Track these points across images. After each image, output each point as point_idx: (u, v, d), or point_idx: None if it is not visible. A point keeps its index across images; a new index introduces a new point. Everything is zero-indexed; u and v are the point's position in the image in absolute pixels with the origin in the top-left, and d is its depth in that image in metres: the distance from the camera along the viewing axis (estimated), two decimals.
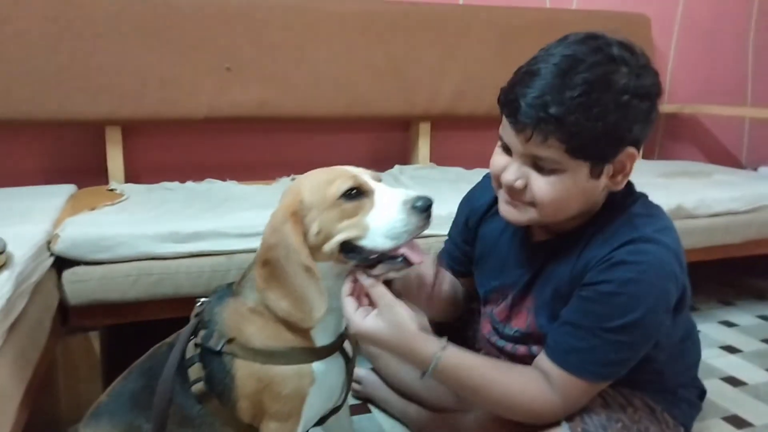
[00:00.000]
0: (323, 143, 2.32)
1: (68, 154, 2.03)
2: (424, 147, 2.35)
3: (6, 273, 1.09)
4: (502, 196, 1.07)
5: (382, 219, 0.90)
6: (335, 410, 1.06)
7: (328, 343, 0.97)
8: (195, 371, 0.97)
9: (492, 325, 1.22)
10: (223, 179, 2.05)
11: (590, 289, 1.00)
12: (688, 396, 1.21)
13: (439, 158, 2.38)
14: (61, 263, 1.40)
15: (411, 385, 1.40)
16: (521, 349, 1.17)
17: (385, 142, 2.42)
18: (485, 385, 1.03)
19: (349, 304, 0.97)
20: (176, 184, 1.98)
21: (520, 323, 1.15)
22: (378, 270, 0.94)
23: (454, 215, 1.36)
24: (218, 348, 0.95)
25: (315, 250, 0.93)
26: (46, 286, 1.31)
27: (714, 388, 1.66)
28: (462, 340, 1.41)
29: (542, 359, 1.05)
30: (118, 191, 1.83)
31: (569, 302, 1.04)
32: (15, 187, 1.87)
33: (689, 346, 1.21)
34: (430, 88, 2.27)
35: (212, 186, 1.96)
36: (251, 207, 1.66)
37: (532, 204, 1.01)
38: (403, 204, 0.90)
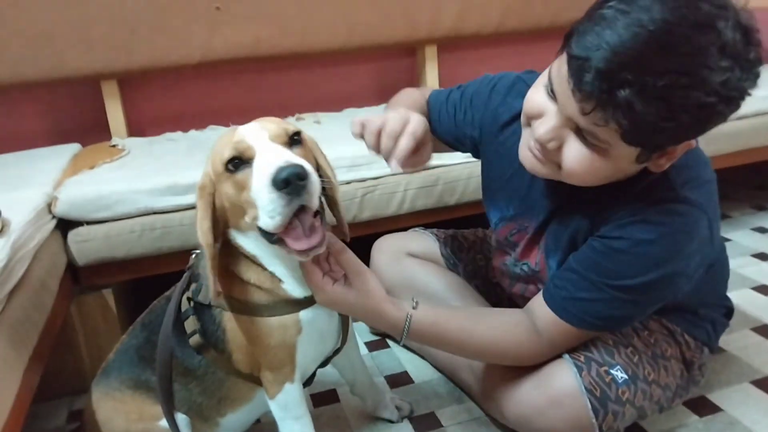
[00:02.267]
0: (326, 77, 2.25)
1: (69, 113, 2.01)
2: (431, 72, 2.26)
3: (1, 241, 1.09)
4: (526, 137, 0.95)
5: (258, 195, 0.80)
6: (337, 352, 1.06)
7: (308, 294, 0.95)
8: (191, 324, 0.97)
9: (505, 256, 1.18)
10: (227, 125, 2.02)
11: (603, 243, 0.93)
12: (713, 315, 1.16)
13: (448, 83, 2.28)
14: (66, 224, 1.41)
15: None
16: (531, 289, 1.13)
17: (391, 70, 2.33)
18: (466, 336, 1.00)
19: (313, 272, 0.93)
20: (179, 134, 1.96)
21: (531, 259, 1.11)
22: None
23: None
24: (207, 302, 0.95)
25: (237, 223, 0.89)
26: (50, 248, 1.31)
27: (744, 297, 1.60)
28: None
29: (537, 302, 1.02)
30: (119, 146, 1.81)
31: (580, 248, 0.98)
32: (19, 152, 1.88)
33: (717, 269, 1.13)
34: (432, 8, 2.15)
35: (214, 133, 1.93)
36: None
37: (558, 166, 0.89)
38: (270, 179, 0.76)
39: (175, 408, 1.00)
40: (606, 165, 0.85)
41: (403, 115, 0.95)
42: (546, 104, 0.88)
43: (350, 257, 0.95)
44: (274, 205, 0.77)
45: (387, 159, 0.93)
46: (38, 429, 1.34)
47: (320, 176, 0.84)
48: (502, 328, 1.01)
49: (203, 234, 0.88)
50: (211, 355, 0.97)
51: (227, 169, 0.83)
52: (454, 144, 1.23)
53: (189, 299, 0.98)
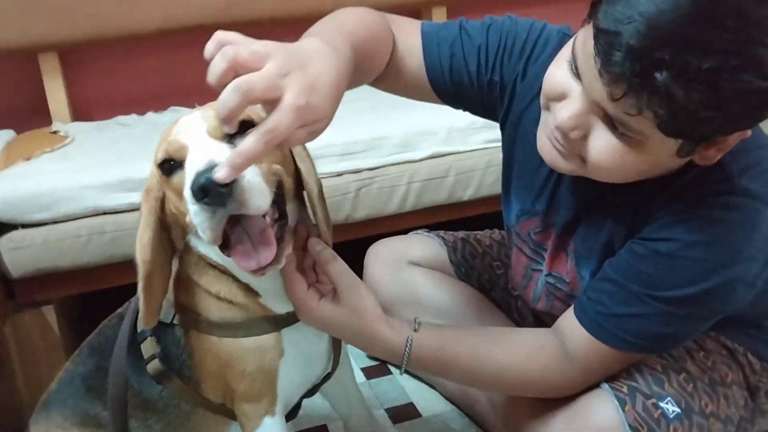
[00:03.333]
0: None
1: (1, 93, 2.01)
2: None
3: None
4: (544, 123, 0.93)
5: (187, 206, 0.77)
6: (327, 378, 1.06)
7: (292, 309, 0.95)
8: (149, 347, 0.97)
9: (527, 260, 1.17)
10: (191, 106, 2.02)
11: (646, 246, 0.92)
12: None
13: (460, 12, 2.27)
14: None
15: None
16: (559, 305, 1.12)
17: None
18: (479, 362, 0.99)
19: (296, 284, 0.91)
20: (134, 117, 1.96)
21: (560, 268, 1.10)
22: None
23: None
24: (169, 319, 0.94)
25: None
26: None
27: None
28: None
29: (567, 319, 1.01)
30: (61, 133, 1.81)
31: (617, 253, 0.97)
32: None
33: None
34: None
35: (177, 116, 1.91)
36: None
37: (583, 159, 0.87)
38: (188, 189, 0.74)
39: None
40: (640, 159, 0.84)
41: (296, 59, 0.72)
42: (569, 84, 0.86)
43: (341, 268, 0.94)
44: (199, 219, 0.75)
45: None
46: None
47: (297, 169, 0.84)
48: (523, 352, 1.00)
49: (142, 247, 0.86)
50: (174, 384, 0.97)
51: (163, 172, 0.83)
52: (455, 97, 1.13)
53: None
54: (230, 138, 0.80)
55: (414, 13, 2.29)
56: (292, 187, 0.90)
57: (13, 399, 1.44)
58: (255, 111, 0.82)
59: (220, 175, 0.69)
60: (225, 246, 0.81)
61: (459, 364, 1.00)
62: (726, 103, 0.73)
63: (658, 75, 0.72)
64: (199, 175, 0.72)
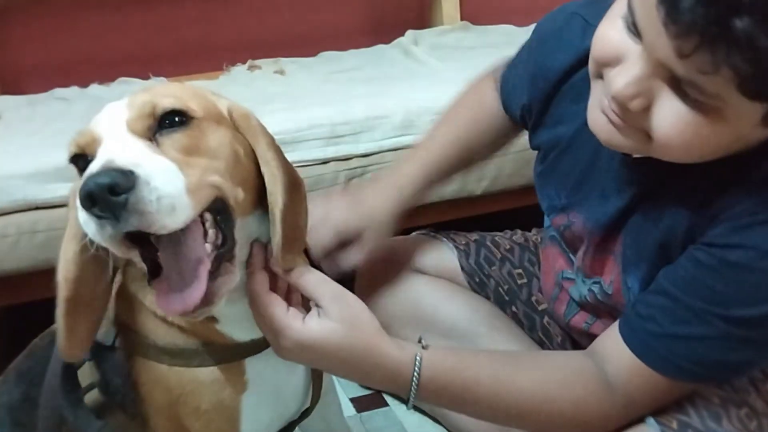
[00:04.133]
0: (294, 6, 2.24)
1: None
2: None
3: None
4: (596, 94, 0.93)
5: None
6: (306, 414, 1.05)
7: (256, 336, 0.92)
8: (86, 374, 0.95)
9: (562, 264, 1.18)
10: (145, 77, 2.02)
11: (713, 253, 0.91)
12: None
13: (472, 14, 2.29)
14: None
15: None
16: (598, 323, 1.12)
17: None
18: (501, 389, 0.98)
19: (274, 304, 0.88)
20: (74, 90, 1.95)
21: (605, 273, 1.09)
22: None
23: None
24: (110, 342, 0.93)
25: None
26: None
27: None
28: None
29: (609, 338, 1.00)
30: None
31: (676, 262, 0.96)
32: None
33: None
34: None
35: (127, 88, 1.92)
36: None
37: (647, 134, 0.86)
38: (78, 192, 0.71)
39: None
40: (718, 131, 0.82)
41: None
42: (626, 44, 0.84)
43: (318, 277, 0.91)
44: (90, 231, 0.72)
45: None
46: None
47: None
48: (554, 378, 0.99)
49: (65, 263, 0.84)
50: (117, 419, 0.95)
51: (77, 169, 0.80)
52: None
53: None
54: (153, 133, 0.78)
55: None
56: (251, 201, 0.86)
57: None
58: (187, 100, 0.81)
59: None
60: (152, 272, 0.79)
61: (478, 391, 0.97)
62: None
63: (737, 21, 0.70)
64: (89, 177, 0.68)
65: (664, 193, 0.98)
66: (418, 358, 0.94)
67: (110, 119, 0.78)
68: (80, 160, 0.79)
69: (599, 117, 0.92)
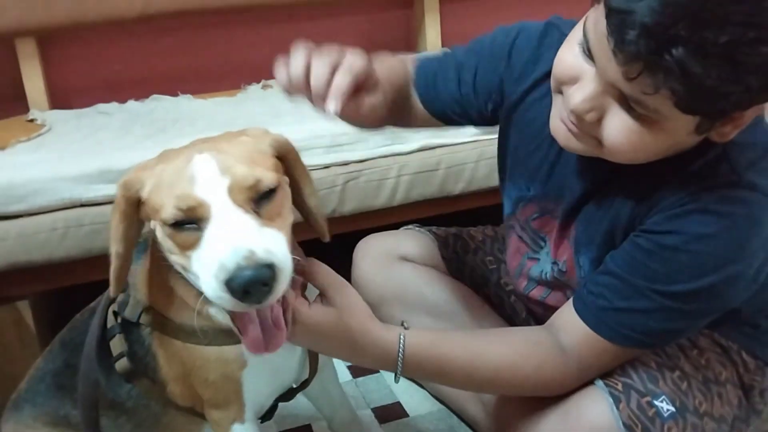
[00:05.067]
0: (302, 34, 2.21)
1: None
2: (432, 27, 2.26)
3: None
4: (557, 106, 0.94)
5: (204, 279, 0.73)
6: (305, 384, 1.06)
7: None
8: (117, 345, 0.97)
9: (525, 247, 1.17)
10: (174, 94, 2.02)
11: (651, 238, 0.93)
12: None
13: (452, 39, 2.28)
14: None
15: None
16: (552, 296, 1.13)
17: (383, 25, 2.34)
18: (474, 360, 0.99)
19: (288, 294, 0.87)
20: (114, 105, 1.95)
21: (560, 255, 1.10)
22: None
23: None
24: (135, 319, 0.94)
25: None
26: None
27: None
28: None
29: (564, 313, 1.01)
30: (38, 121, 1.81)
31: (620, 246, 0.98)
32: None
33: None
34: None
35: (159, 104, 1.93)
36: (207, 128, 1.62)
37: (599, 141, 0.87)
38: (218, 270, 0.71)
39: None
40: (658, 138, 0.84)
41: (335, 49, 0.90)
42: (581, 66, 0.86)
43: (323, 268, 0.93)
44: (221, 301, 0.72)
45: (318, 101, 0.87)
46: None
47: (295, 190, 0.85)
48: (518, 349, 1.00)
49: (116, 240, 0.85)
50: (142, 383, 0.97)
51: (175, 226, 0.76)
52: (453, 117, 1.19)
53: (115, 313, 0.98)
54: (253, 205, 0.76)
55: (405, 0, 2.30)
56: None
57: None
58: (267, 170, 0.80)
59: (331, 106, 0.84)
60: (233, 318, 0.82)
61: (455, 363, 0.99)
62: (744, 76, 0.73)
63: (674, 51, 0.72)
64: (240, 269, 0.69)
65: (611, 187, 1.00)
66: (401, 337, 0.95)
67: (208, 188, 0.75)
68: (183, 222, 0.76)
69: (559, 125, 0.93)
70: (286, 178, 0.86)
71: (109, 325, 0.98)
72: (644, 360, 1.02)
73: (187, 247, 0.76)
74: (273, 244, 0.73)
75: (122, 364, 0.96)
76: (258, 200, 0.77)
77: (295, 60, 0.89)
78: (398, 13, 2.34)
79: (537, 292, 1.16)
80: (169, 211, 0.75)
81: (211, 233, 0.74)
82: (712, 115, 0.80)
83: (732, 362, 1.09)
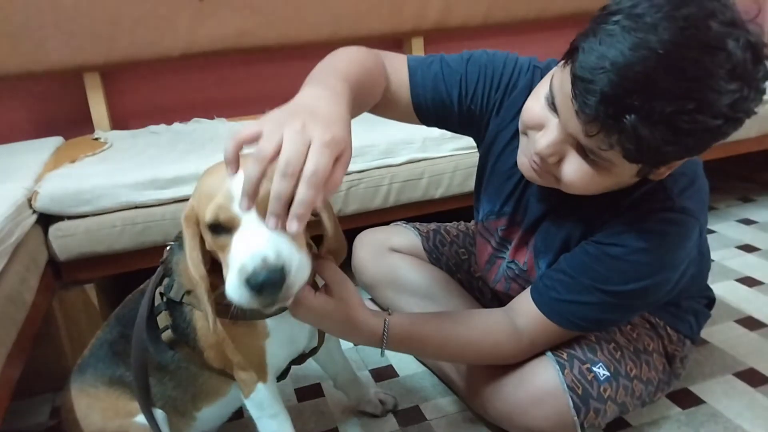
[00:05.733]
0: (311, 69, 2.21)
1: (52, 105, 1.97)
2: None
3: None
4: (523, 146, 0.92)
5: (230, 276, 0.72)
6: (314, 351, 1.05)
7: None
8: (163, 319, 0.96)
9: (492, 249, 1.16)
10: (211, 117, 2.00)
11: (598, 248, 0.92)
12: (696, 306, 1.15)
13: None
14: (47, 219, 1.38)
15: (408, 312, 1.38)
16: (515, 287, 1.11)
17: None
18: (445, 338, 0.98)
19: None
20: (162, 127, 1.93)
21: (520, 258, 1.09)
22: None
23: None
24: (178, 299, 0.93)
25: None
26: (30, 243, 1.29)
27: (728, 289, 1.60)
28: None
29: (522, 300, 1.00)
30: (102, 140, 1.78)
31: (572, 250, 0.97)
32: (1, 145, 1.84)
33: (698, 260, 1.10)
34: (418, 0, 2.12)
35: (198, 126, 1.91)
36: None
37: (557, 177, 0.87)
38: (239, 271, 0.70)
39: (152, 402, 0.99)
40: (607, 179, 0.83)
41: (303, 109, 0.68)
42: (546, 116, 0.84)
43: (333, 267, 0.92)
44: (241, 299, 0.71)
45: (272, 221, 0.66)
46: (20, 425, 1.32)
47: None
48: (480, 328, 0.99)
49: (195, 266, 0.82)
50: (183, 350, 0.96)
51: (212, 228, 0.76)
52: (436, 120, 1.07)
53: (161, 294, 0.96)
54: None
55: (395, 41, 2.26)
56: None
57: (61, 364, 1.42)
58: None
59: (291, 228, 0.64)
60: None
61: (429, 340, 0.98)
62: (683, 138, 0.72)
63: (627, 117, 0.71)
64: (256, 273, 0.68)
65: (565, 211, 0.99)
66: (386, 321, 0.95)
67: (226, 206, 0.73)
68: (215, 226, 0.75)
69: (525, 161, 0.92)
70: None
71: (156, 304, 0.97)
72: (586, 335, 1.02)
73: (222, 250, 0.76)
74: (286, 251, 0.71)
75: (167, 334, 0.95)
76: None
77: (261, 152, 0.64)
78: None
79: (501, 285, 1.15)
80: (209, 217, 0.75)
81: (237, 240, 0.73)
82: (654, 164, 0.79)
83: (659, 336, 1.09)
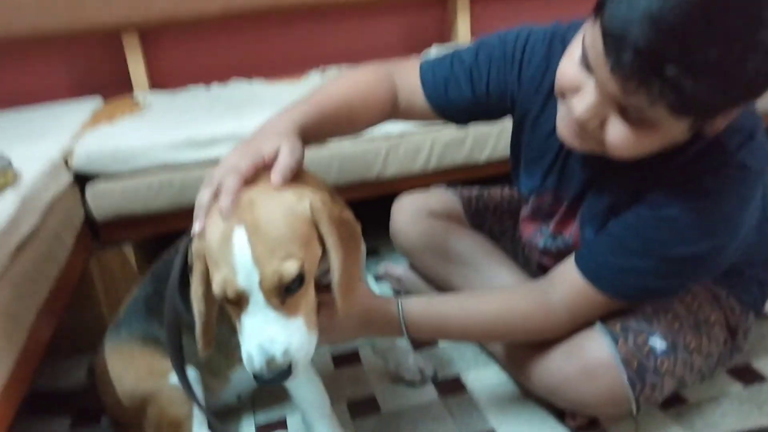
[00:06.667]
0: (351, 29, 2.16)
1: (90, 66, 1.97)
2: (463, 25, 2.14)
3: (10, 192, 1.05)
4: (563, 112, 0.85)
5: (242, 347, 0.73)
6: None
7: None
8: None
9: (538, 226, 1.10)
10: (249, 77, 1.97)
11: (650, 210, 0.85)
12: (760, 275, 1.06)
13: (482, 34, 2.17)
14: (84, 179, 1.38)
15: (449, 282, 1.33)
16: (561, 257, 1.04)
17: (420, 21, 2.22)
18: (468, 316, 0.94)
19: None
20: (201, 88, 1.90)
21: (566, 232, 1.03)
22: None
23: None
24: None
25: None
26: (66, 202, 1.28)
27: None
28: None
29: (563, 267, 0.94)
30: (140, 100, 1.77)
31: (623, 215, 0.90)
32: (40, 104, 1.85)
33: (763, 225, 1.01)
34: None
35: (237, 87, 1.88)
36: (272, 106, 1.55)
37: (601, 142, 0.80)
38: (246, 360, 0.72)
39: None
40: (655, 139, 0.76)
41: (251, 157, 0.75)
42: (582, 78, 0.77)
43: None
44: (251, 373, 0.72)
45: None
46: (59, 385, 1.33)
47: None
48: (507, 302, 0.95)
49: (197, 302, 0.80)
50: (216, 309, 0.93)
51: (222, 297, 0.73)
52: (463, 118, 1.07)
53: None
54: (282, 292, 0.71)
55: (439, 0, 2.19)
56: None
57: (98, 322, 1.42)
58: (298, 251, 0.72)
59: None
60: None
61: (452, 320, 0.94)
62: (732, 86, 0.65)
63: (667, 71, 0.64)
64: (263, 370, 0.70)
65: (613, 175, 0.92)
66: (399, 303, 0.92)
67: (244, 279, 0.70)
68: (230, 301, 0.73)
69: (565, 128, 0.85)
70: (319, 250, 0.76)
71: (189, 262, 0.94)
72: (640, 305, 0.95)
73: (232, 313, 0.75)
74: (293, 340, 0.72)
75: None
76: (286, 288, 0.71)
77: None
78: (433, 11, 2.22)
79: (547, 262, 1.09)
80: (217, 291, 0.72)
81: (246, 324, 0.72)
82: (704, 116, 0.72)
83: (720, 307, 1.01)
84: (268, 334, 0.70)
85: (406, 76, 1.03)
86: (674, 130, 0.74)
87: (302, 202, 0.73)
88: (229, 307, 0.74)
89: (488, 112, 1.05)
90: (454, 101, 1.01)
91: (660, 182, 0.85)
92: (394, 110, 1.03)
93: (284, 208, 0.72)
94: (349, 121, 0.97)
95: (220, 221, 0.72)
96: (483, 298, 0.96)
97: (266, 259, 0.69)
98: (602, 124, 0.77)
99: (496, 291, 0.98)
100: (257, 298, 0.70)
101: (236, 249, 0.69)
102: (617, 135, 0.76)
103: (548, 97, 0.96)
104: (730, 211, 0.83)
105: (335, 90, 0.96)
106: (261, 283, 0.69)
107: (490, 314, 0.94)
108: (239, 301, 0.71)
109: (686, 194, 0.82)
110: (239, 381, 1.04)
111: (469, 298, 0.96)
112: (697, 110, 0.69)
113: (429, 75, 1.02)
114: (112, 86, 1.95)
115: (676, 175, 0.83)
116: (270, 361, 0.69)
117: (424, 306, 0.93)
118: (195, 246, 0.77)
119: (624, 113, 0.74)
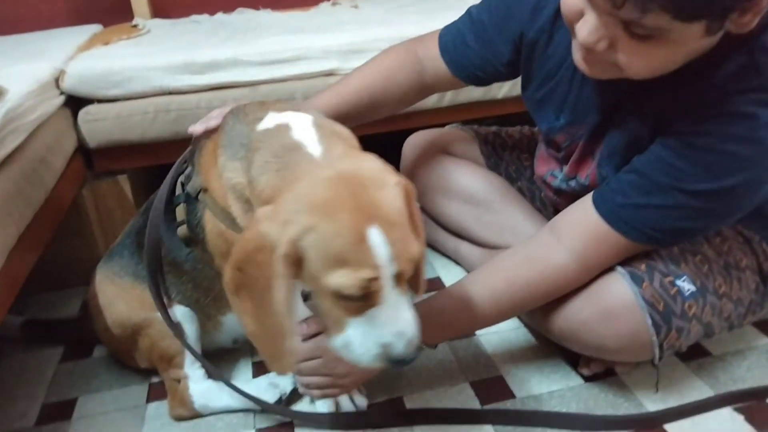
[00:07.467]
0: None
1: None
2: None
3: None
4: (575, 43, 0.79)
5: (359, 343, 0.70)
6: None
7: None
8: (181, 212, 0.88)
9: (552, 165, 1.04)
10: (256, 8, 1.89)
11: (680, 140, 0.77)
12: None
13: None
14: (77, 103, 1.31)
15: (461, 222, 1.25)
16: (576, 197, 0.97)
17: None
18: (468, 297, 0.89)
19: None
20: (205, 16, 1.83)
21: (581, 173, 0.96)
22: None
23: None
24: (194, 195, 0.84)
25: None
26: (56, 125, 1.22)
27: None
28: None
29: (574, 209, 0.87)
30: (140, 26, 1.69)
31: (647, 149, 0.81)
32: (38, 31, 1.77)
33: None
34: None
35: (243, 16, 1.80)
36: (279, 33, 1.48)
37: (617, 65, 0.74)
38: (383, 346, 0.69)
39: (170, 298, 0.94)
40: (671, 51, 0.70)
41: None
42: (583, 3, 0.72)
43: None
44: (370, 362, 0.70)
45: None
46: (52, 315, 1.29)
47: None
48: (506, 273, 0.90)
49: (287, 320, 0.69)
50: (198, 251, 0.88)
51: (344, 297, 0.67)
52: (481, 76, 1.04)
53: (182, 185, 0.88)
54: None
55: None
56: None
57: (93, 256, 1.36)
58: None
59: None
60: None
61: (456, 313, 0.91)
62: None
63: None
64: (405, 354, 0.69)
65: (630, 105, 0.84)
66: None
67: (385, 271, 0.65)
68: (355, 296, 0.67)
69: (578, 57, 0.78)
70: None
71: (177, 194, 0.88)
72: (664, 250, 0.87)
73: (342, 312, 0.69)
74: (419, 328, 0.71)
75: (183, 230, 0.87)
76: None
77: None
78: None
79: (560, 205, 1.02)
80: (353, 291, 0.65)
81: (379, 316, 0.68)
82: (716, 15, 0.64)
83: (753, 251, 0.94)
84: (404, 319, 0.69)
85: (429, 46, 1.05)
86: (688, 37, 0.67)
87: (395, 180, 0.70)
88: (342, 305, 0.68)
89: (504, 67, 1.01)
90: (472, 63, 1.01)
91: (687, 108, 0.77)
92: (422, 87, 1.07)
93: (394, 193, 0.69)
94: (373, 108, 1.05)
95: (335, 220, 0.64)
96: (481, 280, 0.91)
97: (402, 250, 0.66)
98: (613, 46, 0.72)
99: (491, 266, 0.91)
100: (390, 289, 0.68)
101: (376, 248, 0.65)
102: (628, 52, 0.71)
103: (546, 29, 0.92)
104: (765, 141, 0.74)
105: (356, 80, 1.04)
106: (398, 275, 0.67)
107: (494, 293, 0.89)
108: (367, 297, 0.67)
109: (718, 121, 0.74)
110: (233, 325, 0.99)
111: (465, 285, 0.91)
112: (699, 8, 0.62)
113: (446, 39, 1.03)
114: (113, 13, 1.87)
115: (705, 98, 0.75)
116: (409, 343, 0.69)
117: (424, 310, 0.83)
118: (284, 250, 0.65)
119: (628, 30, 0.69)
